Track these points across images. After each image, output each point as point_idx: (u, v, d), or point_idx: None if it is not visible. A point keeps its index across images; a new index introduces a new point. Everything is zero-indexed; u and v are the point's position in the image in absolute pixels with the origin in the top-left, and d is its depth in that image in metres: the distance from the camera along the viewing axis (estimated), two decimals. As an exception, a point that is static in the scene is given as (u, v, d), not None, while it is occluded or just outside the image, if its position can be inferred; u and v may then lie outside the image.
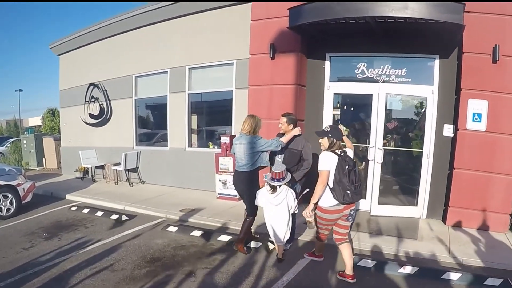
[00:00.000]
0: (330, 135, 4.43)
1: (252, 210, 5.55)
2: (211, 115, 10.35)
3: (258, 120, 5.51)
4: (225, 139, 8.18)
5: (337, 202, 4.36)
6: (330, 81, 7.75)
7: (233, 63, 8.84)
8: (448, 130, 7.03)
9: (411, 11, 5.80)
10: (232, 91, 8.93)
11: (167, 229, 6.68)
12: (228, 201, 8.27)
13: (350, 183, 4.30)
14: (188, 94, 9.63)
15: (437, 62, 7.07)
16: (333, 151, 4.39)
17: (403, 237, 6.15)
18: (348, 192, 4.29)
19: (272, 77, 7.75)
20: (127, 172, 10.35)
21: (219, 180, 8.42)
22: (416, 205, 7.36)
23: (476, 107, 6.45)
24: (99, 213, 7.78)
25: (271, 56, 7.62)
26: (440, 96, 7.07)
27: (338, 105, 8.03)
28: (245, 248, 5.58)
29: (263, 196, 5.12)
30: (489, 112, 6.42)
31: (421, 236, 6.23)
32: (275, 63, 7.68)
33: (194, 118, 9.86)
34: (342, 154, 4.41)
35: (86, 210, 8.04)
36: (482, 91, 6.42)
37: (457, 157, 6.68)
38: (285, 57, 7.59)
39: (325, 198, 4.45)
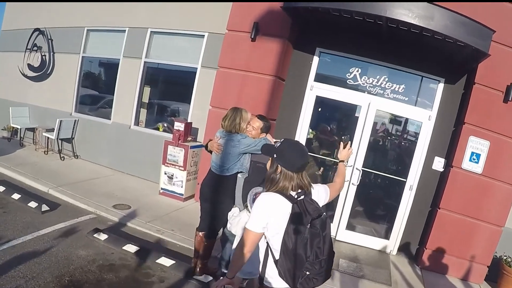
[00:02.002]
0: (276, 157, 2.33)
1: (215, 229, 4.18)
2: (168, 90, 8.58)
3: (242, 114, 4.05)
4: (178, 126, 6.48)
5: (286, 286, 2.30)
6: (315, 80, 6.29)
7: (204, 35, 7.15)
8: (438, 164, 6.05)
9: (435, 24, 4.62)
10: (197, 68, 7.22)
11: (95, 235, 4.95)
12: (172, 200, 6.64)
13: (314, 257, 2.18)
14: (145, 62, 7.77)
15: (440, 86, 5.95)
16: (282, 192, 2.25)
17: (376, 280, 5.15)
18: (308, 273, 2.20)
19: (248, 62, 6.17)
20: (60, 142, 8.42)
21: (165, 173, 6.71)
22: (388, 239, 6.34)
23: (476, 146, 5.59)
24: (16, 196, 5.87)
25: (252, 36, 6.03)
26: (437, 124, 5.98)
27: (320, 110, 6.59)
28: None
29: (240, 223, 3.51)
30: (489, 154, 5.58)
31: (395, 281, 5.27)
32: (256, 46, 6.10)
33: (147, 90, 8.08)
34: (302, 199, 2.24)
35: (1, 188, 6.11)
36: (486, 130, 5.56)
37: (444, 196, 5.75)
38: (269, 41, 6.03)
39: (269, 272, 2.35)
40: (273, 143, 4.10)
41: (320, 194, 2.46)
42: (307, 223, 2.17)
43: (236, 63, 6.24)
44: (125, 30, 7.95)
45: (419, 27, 4.76)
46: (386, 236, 6.35)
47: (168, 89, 8.47)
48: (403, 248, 6.29)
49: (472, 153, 5.58)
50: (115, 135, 8.03)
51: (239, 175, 3.96)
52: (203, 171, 6.46)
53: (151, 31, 7.66)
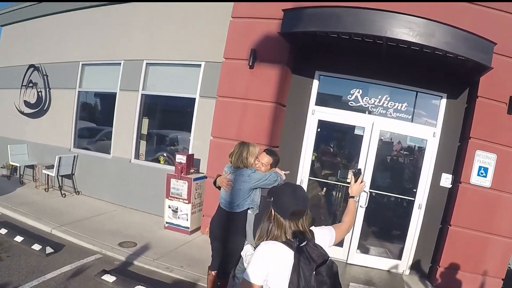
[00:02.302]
0: (272, 201, 2.21)
1: (227, 268, 3.99)
2: (167, 120, 8.36)
3: (250, 148, 3.92)
4: (180, 158, 6.30)
5: None
6: (316, 104, 6.18)
7: (200, 65, 7.00)
8: (446, 180, 5.91)
9: (436, 41, 4.56)
10: (195, 98, 7.05)
11: (103, 277, 4.69)
12: (177, 234, 6.41)
13: None
14: (142, 94, 7.62)
15: (443, 101, 5.86)
16: (281, 240, 2.04)
17: None
18: None
19: (248, 89, 6.05)
20: (60, 178, 8.21)
21: (169, 207, 6.50)
22: (400, 259, 6.17)
23: (483, 160, 5.48)
24: (19, 238, 5.61)
25: (250, 64, 5.92)
26: (442, 141, 5.88)
27: (323, 133, 6.44)
28: None
29: None
30: (496, 167, 5.47)
31: None
32: (254, 73, 5.99)
33: (146, 121, 7.89)
34: (304, 245, 1.97)
35: (3, 231, 5.84)
36: (492, 143, 5.47)
37: (455, 213, 5.60)
38: (267, 67, 5.92)
39: None
40: (283, 176, 3.97)
41: (324, 237, 2.25)
42: (312, 270, 1.95)
43: (235, 92, 6.12)
44: (120, 63, 7.83)
45: (419, 45, 4.70)
46: (398, 256, 6.19)
47: (167, 119, 8.30)
48: (416, 267, 6.11)
49: (480, 168, 5.47)
50: (116, 169, 7.84)
51: (249, 211, 3.81)
52: (208, 202, 6.39)
53: (146, 63, 7.53)
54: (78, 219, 6.69)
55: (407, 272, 6.07)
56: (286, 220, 2.06)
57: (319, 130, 6.22)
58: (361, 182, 2.73)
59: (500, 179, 5.45)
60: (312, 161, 6.30)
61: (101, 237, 5.97)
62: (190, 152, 6.91)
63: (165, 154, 7.78)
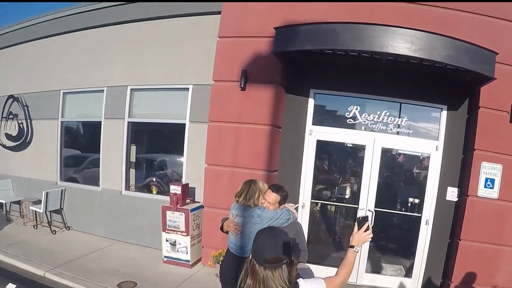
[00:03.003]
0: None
1: None
2: (157, 147, 7.79)
3: (258, 187, 3.53)
4: (175, 189, 5.83)
5: None
6: (313, 124, 5.82)
7: (188, 88, 6.53)
8: (452, 194, 5.65)
9: (438, 54, 4.30)
10: (185, 124, 6.57)
11: None
12: (178, 268, 5.92)
13: None
14: (128, 122, 7.10)
15: (444, 114, 5.59)
16: None
17: None
18: None
19: (241, 113, 5.67)
20: (49, 214, 7.61)
21: (167, 240, 6.02)
22: (411, 277, 5.89)
23: (489, 171, 5.26)
24: (11, 286, 5.12)
25: (241, 85, 5.54)
26: (445, 154, 5.62)
27: (323, 154, 6.11)
28: None
29: None
30: (502, 177, 5.25)
31: None
32: (246, 95, 5.62)
33: (135, 149, 7.38)
34: None
35: None
36: (497, 154, 5.25)
37: (464, 228, 5.35)
38: (260, 88, 5.55)
39: None
40: (295, 213, 3.58)
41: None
42: None
43: (228, 115, 5.73)
44: (103, 90, 7.32)
45: (419, 59, 4.44)
46: (408, 274, 5.90)
47: (157, 147, 7.76)
48: (427, 284, 5.81)
49: (486, 179, 5.25)
50: (106, 202, 7.30)
51: None
52: (207, 233, 6.00)
53: (131, 89, 7.04)
54: (71, 258, 6.13)
55: None
56: (260, 267, 1.81)
57: (323, 153, 5.91)
58: (366, 230, 2.30)
59: (507, 189, 5.24)
60: (313, 184, 5.92)
61: (98, 278, 5.45)
62: (183, 181, 6.46)
63: (154, 179, 7.31)
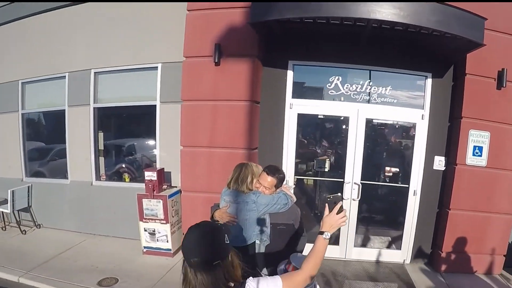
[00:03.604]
0: None
1: None
2: (127, 133, 7.18)
3: (251, 170, 3.09)
4: (150, 175, 5.36)
5: None
6: (293, 97, 5.42)
7: (157, 67, 5.99)
8: (439, 163, 5.45)
9: (426, 20, 3.98)
10: (155, 105, 6.05)
11: None
12: (160, 258, 5.49)
13: None
14: (94, 108, 6.48)
15: (429, 81, 5.32)
16: None
17: None
18: None
19: (216, 89, 5.19)
20: (17, 213, 6.94)
21: (145, 230, 5.55)
22: (400, 249, 5.72)
23: (477, 139, 5.11)
24: None
25: (215, 60, 5.04)
26: (431, 122, 5.37)
27: (304, 128, 5.69)
28: None
29: None
30: (490, 145, 5.13)
31: None
32: (221, 70, 5.13)
33: (104, 136, 6.77)
34: None
35: None
36: (485, 121, 5.12)
37: (453, 197, 5.21)
38: (236, 63, 5.08)
39: None
40: (293, 197, 3.17)
41: None
42: None
43: (202, 93, 5.24)
44: (65, 76, 6.63)
45: (406, 25, 4.09)
46: (398, 246, 5.74)
47: (127, 132, 7.15)
48: (417, 255, 5.71)
49: (475, 147, 5.10)
50: (77, 195, 6.69)
51: (256, 241, 3.01)
52: (187, 219, 5.56)
53: (95, 72, 6.40)
54: (45, 259, 5.55)
55: (408, 261, 5.67)
56: (191, 271, 1.55)
57: (304, 128, 5.53)
58: (339, 213, 1.88)
59: (495, 156, 5.14)
60: (296, 159, 5.57)
61: (76, 277, 4.93)
62: (158, 165, 5.97)
63: (128, 170, 6.74)
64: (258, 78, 5.28)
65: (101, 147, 6.70)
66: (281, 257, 2.79)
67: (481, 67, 4.96)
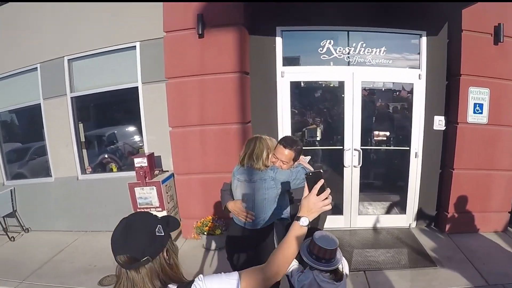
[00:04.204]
0: None
1: None
2: (110, 120, 6.62)
3: (266, 144, 2.70)
4: (140, 162, 4.93)
5: None
6: (284, 65, 5.07)
7: (135, 46, 5.50)
8: (439, 123, 5.26)
9: None
10: (137, 87, 5.56)
11: None
12: (157, 247, 5.11)
13: None
14: (72, 98, 5.94)
15: (423, 40, 5.05)
16: None
17: (416, 266, 4.37)
18: None
19: (202, 63, 4.79)
20: (2, 219, 6.32)
21: None
22: (405, 212, 5.55)
23: (477, 96, 4.98)
24: None
25: (199, 32, 4.64)
26: (429, 82, 5.13)
27: (299, 96, 5.39)
28: None
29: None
30: (490, 101, 4.96)
31: (435, 258, 4.53)
32: (206, 42, 4.73)
33: (86, 126, 6.26)
34: None
35: None
36: (484, 78, 4.92)
37: (457, 157, 5.04)
38: (221, 33, 4.69)
39: None
40: (310, 168, 2.84)
41: None
42: None
43: (188, 69, 4.84)
44: (36, 68, 6.05)
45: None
46: (402, 210, 5.58)
47: (109, 118, 6.62)
48: (422, 217, 5.56)
49: (475, 105, 4.92)
50: (63, 192, 6.19)
51: (276, 221, 2.68)
52: (182, 203, 5.29)
53: (68, 60, 5.85)
54: (39, 264, 5.05)
55: (414, 224, 5.53)
56: (121, 269, 1.34)
57: (293, 93, 5.17)
58: (321, 193, 1.50)
59: (495, 113, 4.99)
60: (292, 130, 5.27)
61: (75, 279, 4.52)
62: (146, 150, 5.55)
63: (115, 159, 6.32)
64: (245, 47, 4.90)
65: (83, 138, 6.20)
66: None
67: (477, 23, 4.75)
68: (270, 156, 2.66)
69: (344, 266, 2.22)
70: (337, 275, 2.12)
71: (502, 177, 5.15)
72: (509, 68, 4.91)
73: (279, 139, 2.76)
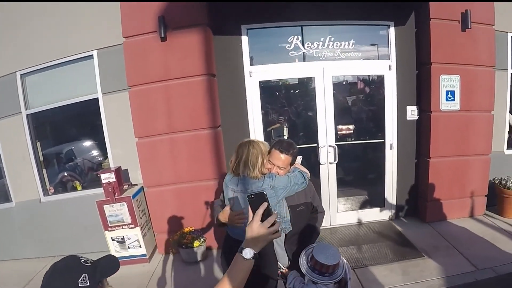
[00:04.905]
0: None
1: None
2: (68, 134, 5.99)
3: (259, 150, 2.40)
4: (108, 177, 4.51)
5: None
6: (251, 65, 4.84)
7: (92, 55, 5.08)
8: (412, 113, 5.19)
9: None
10: (97, 98, 5.13)
11: None
12: (136, 267, 4.69)
13: None
14: (27, 115, 5.43)
15: (391, 30, 4.96)
16: None
17: (405, 258, 4.28)
18: None
19: (166, 68, 4.47)
20: None
21: (113, 239, 4.74)
22: (384, 205, 5.50)
23: (449, 83, 4.96)
24: None
25: (161, 35, 4.32)
26: (399, 72, 5.05)
27: (268, 96, 5.14)
28: None
29: None
30: (461, 88, 4.95)
31: (422, 248, 4.46)
32: (169, 45, 4.42)
33: (40, 144, 5.66)
34: None
35: None
36: (454, 65, 4.91)
37: (432, 145, 5.04)
38: (185, 34, 4.39)
39: None
40: (308, 172, 2.59)
41: None
42: None
43: (151, 75, 4.51)
44: (-16, 86, 5.51)
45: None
46: (382, 203, 5.49)
47: (69, 133, 5.98)
48: (402, 209, 5.51)
49: (447, 92, 4.90)
50: (27, 216, 5.62)
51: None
52: (155, 216, 4.93)
53: (21, 75, 5.35)
54: None
55: (394, 216, 5.48)
56: None
57: (263, 93, 4.93)
58: (268, 216, 1.25)
59: (467, 99, 4.99)
60: (265, 130, 5.05)
61: None
62: (111, 164, 5.15)
63: (65, 174, 5.81)
64: (211, 48, 4.62)
65: (42, 158, 5.69)
66: (302, 236, 2.42)
67: (445, 10, 4.74)
68: (265, 162, 2.39)
69: (348, 270, 2.01)
70: (341, 283, 1.94)
71: (478, 162, 5.18)
72: (477, 54, 4.90)
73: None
